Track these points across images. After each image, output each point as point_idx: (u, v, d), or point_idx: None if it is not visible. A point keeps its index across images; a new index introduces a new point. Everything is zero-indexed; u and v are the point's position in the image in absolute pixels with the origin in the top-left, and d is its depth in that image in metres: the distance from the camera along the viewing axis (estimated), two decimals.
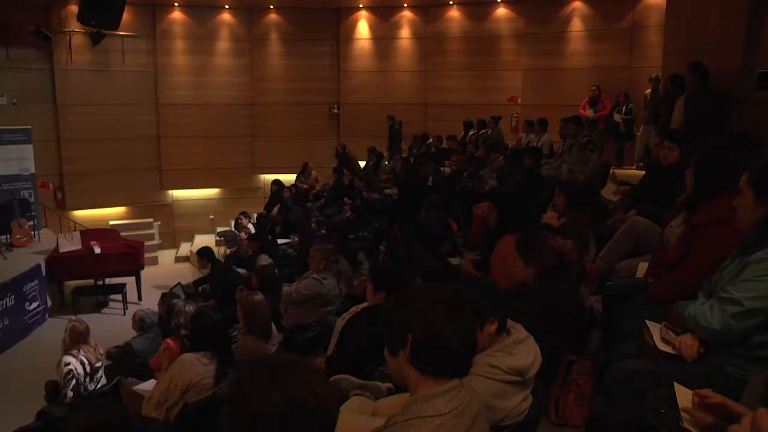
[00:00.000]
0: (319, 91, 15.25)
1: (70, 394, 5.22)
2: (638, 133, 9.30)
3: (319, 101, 15.29)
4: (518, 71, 13.68)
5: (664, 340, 2.44)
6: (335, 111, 15.38)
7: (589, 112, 10.22)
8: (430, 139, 12.92)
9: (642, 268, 3.73)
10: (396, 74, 15.03)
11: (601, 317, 3.65)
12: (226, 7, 14.81)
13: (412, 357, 1.68)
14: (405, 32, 14.83)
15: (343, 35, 15.14)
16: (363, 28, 15.01)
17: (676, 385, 1.95)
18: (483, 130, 11.78)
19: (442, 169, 10.36)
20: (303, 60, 15.15)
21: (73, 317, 6.19)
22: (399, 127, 13.93)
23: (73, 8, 12.83)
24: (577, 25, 12.77)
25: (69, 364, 5.18)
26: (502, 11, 13.83)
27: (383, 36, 14.97)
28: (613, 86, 10.95)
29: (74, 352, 5.28)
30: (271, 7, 14.88)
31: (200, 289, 8.79)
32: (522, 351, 2.29)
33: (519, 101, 13.56)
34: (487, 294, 2.37)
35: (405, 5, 14.62)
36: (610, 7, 12.33)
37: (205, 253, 8.60)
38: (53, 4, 13.35)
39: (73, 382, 5.21)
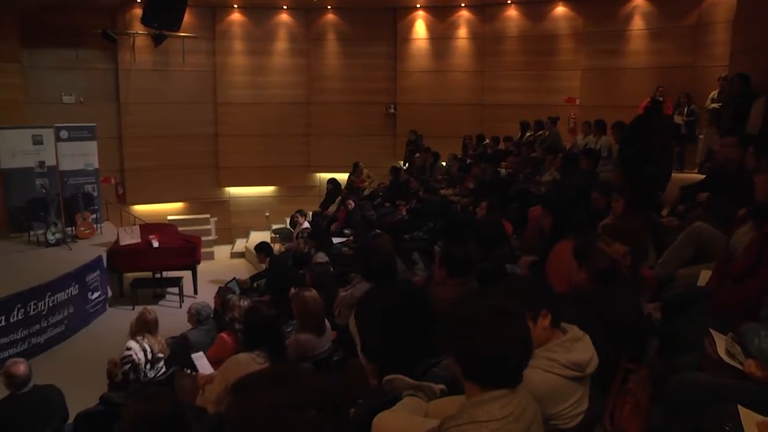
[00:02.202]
0: (375, 91, 15.28)
1: (121, 376, 5.39)
2: (701, 136, 9.01)
3: (375, 101, 15.33)
4: (576, 71, 13.42)
5: (728, 352, 2.35)
6: (391, 111, 15.39)
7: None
8: (487, 140, 12.81)
9: (705, 276, 3.60)
10: (452, 74, 14.92)
11: (659, 325, 3.55)
12: (284, 7, 14.97)
13: (458, 364, 1.68)
14: (462, 32, 14.72)
15: (400, 35, 15.13)
16: (420, 28, 14.97)
17: (740, 408, 1.88)
18: (540, 132, 11.60)
19: (498, 170, 10.26)
20: (360, 60, 15.20)
21: (139, 307, 6.33)
22: (421, 141, 13.87)
23: (138, 11, 13.24)
24: (638, 24, 12.42)
25: (130, 349, 5.32)
26: (560, 10, 13.58)
27: (440, 36, 14.89)
28: (675, 86, 10.62)
29: (139, 338, 5.44)
30: (329, 7, 14.98)
31: (255, 284, 8.92)
32: (579, 348, 2.26)
33: (577, 102, 13.29)
34: (536, 289, 2.34)
35: (462, 5, 14.51)
36: (673, 5, 11.92)
37: (263, 248, 8.70)
38: (119, 7, 13.83)
39: (128, 366, 5.36)
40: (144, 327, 5.54)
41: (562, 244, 4.07)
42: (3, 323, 8.08)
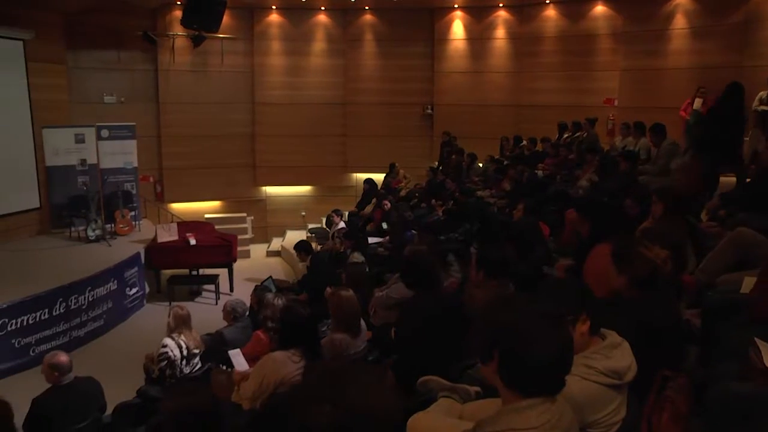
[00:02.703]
0: (412, 92, 15.25)
1: (157, 372, 5.48)
2: (746, 138, 8.77)
3: (412, 102, 15.30)
4: (615, 72, 13.15)
5: None
6: (428, 111, 15.35)
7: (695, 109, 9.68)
8: (524, 142, 12.70)
9: (748, 283, 3.49)
10: (489, 75, 14.80)
11: (698, 332, 3.46)
12: (322, 8, 15.03)
13: (499, 371, 1.65)
14: (500, 32, 14.59)
15: (438, 36, 15.07)
16: (458, 28, 14.88)
17: None
18: (578, 133, 11.46)
19: (535, 172, 10.16)
20: (397, 60, 15.19)
21: (174, 304, 6.45)
22: (455, 143, 13.81)
23: (177, 13, 13.46)
24: (680, 22, 12.06)
25: (166, 346, 5.43)
26: (600, 9, 13.32)
27: (477, 36, 14.78)
28: (719, 87, 10.32)
29: (174, 335, 5.53)
30: (367, 8, 15.00)
31: (291, 282, 8.96)
32: (618, 355, 2.22)
33: (615, 103, 13.03)
34: (576, 293, 2.31)
35: (500, 5, 14.38)
36: (719, 2, 11.43)
37: (303, 247, 8.76)
38: (160, 9, 14.09)
39: (164, 362, 5.47)
40: (179, 324, 5.64)
41: (599, 248, 4.00)
42: (46, 316, 8.31)
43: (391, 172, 13.70)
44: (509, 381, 1.64)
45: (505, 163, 11.33)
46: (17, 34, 11.27)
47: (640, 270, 3.07)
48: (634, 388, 2.28)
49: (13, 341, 7.91)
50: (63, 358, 4.60)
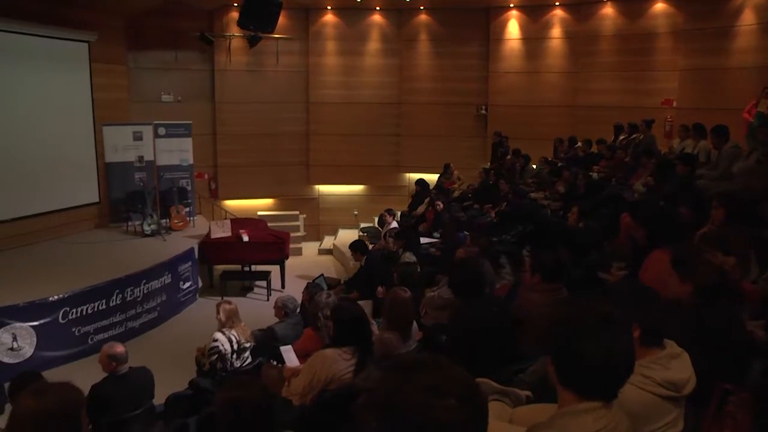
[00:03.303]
0: (466, 92, 15.14)
1: (208, 365, 5.58)
2: None
3: (466, 102, 15.18)
4: (674, 72, 12.69)
5: None
6: (482, 112, 15.20)
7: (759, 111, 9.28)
8: (579, 143, 12.47)
9: None
10: (545, 75, 14.56)
11: (763, 345, 3.32)
12: (377, 8, 15.07)
13: (555, 367, 1.63)
14: (556, 32, 14.33)
15: (493, 35, 14.92)
16: (513, 27, 14.70)
17: None
18: (634, 135, 11.14)
19: (590, 174, 9.97)
20: (451, 60, 15.10)
21: (224, 299, 6.57)
22: (506, 143, 13.62)
23: (234, 15, 13.70)
24: (748, 18, 11.28)
25: (216, 340, 5.53)
26: (660, 6, 12.91)
27: (533, 36, 14.56)
28: None
29: (226, 329, 5.63)
30: (422, 8, 14.95)
31: (342, 281, 9.01)
32: (676, 366, 2.16)
33: (674, 104, 12.63)
34: (632, 299, 2.26)
35: (556, 3, 14.14)
36: None
37: (358, 246, 8.81)
38: (216, 11, 14.38)
39: (215, 356, 5.56)
40: (229, 318, 5.73)
41: (656, 254, 3.91)
42: (103, 306, 8.57)
43: (445, 172, 13.63)
44: (564, 379, 1.62)
45: (560, 164, 11.14)
46: (83, 37, 11.68)
47: (707, 277, 2.97)
48: (692, 401, 2.20)
49: (73, 329, 8.20)
50: (120, 348, 4.74)
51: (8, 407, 4.88)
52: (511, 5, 14.52)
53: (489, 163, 13.86)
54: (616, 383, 1.62)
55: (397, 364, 1.37)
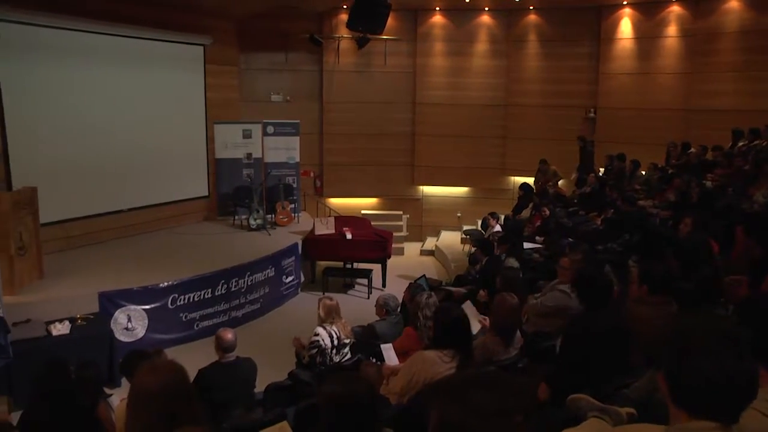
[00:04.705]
0: (575, 94, 14.61)
1: (307, 358, 5.61)
2: None
3: (574, 104, 14.63)
4: None
5: None
6: (591, 115, 14.61)
7: None
8: (692, 149, 11.73)
9: None
10: (658, 76, 13.75)
11: None
12: (486, 9, 14.87)
13: (666, 383, 1.51)
14: (671, 29, 13.50)
15: (604, 35, 14.31)
16: (625, 26, 13.99)
17: None
18: (755, 141, 10.39)
19: (704, 182, 9.35)
20: (560, 61, 14.64)
21: (325, 294, 6.60)
22: (591, 149, 13.06)
23: (343, 17, 13.88)
24: None
25: (318, 334, 5.55)
26: None
27: (647, 34, 13.79)
28: None
29: (327, 325, 5.63)
30: (531, 8, 14.61)
31: (443, 282, 8.90)
32: None
33: None
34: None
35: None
36: None
37: (482, 246, 8.70)
38: (326, 13, 14.65)
39: (315, 350, 5.59)
40: (329, 314, 5.72)
41: None
42: (209, 295, 8.89)
43: (541, 169, 13.27)
44: (678, 398, 1.50)
45: (671, 171, 10.60)
46: (199, 40, 12.35)
47: None
48: None
49: (180, 315, 8.57)
50: (229, 335, 4.86)
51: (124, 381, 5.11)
52: (625, 2, 13.85)
53: (576, 169, 13.41)
54: (737, 406, 1.49)
55: (451, 385, 1.33)
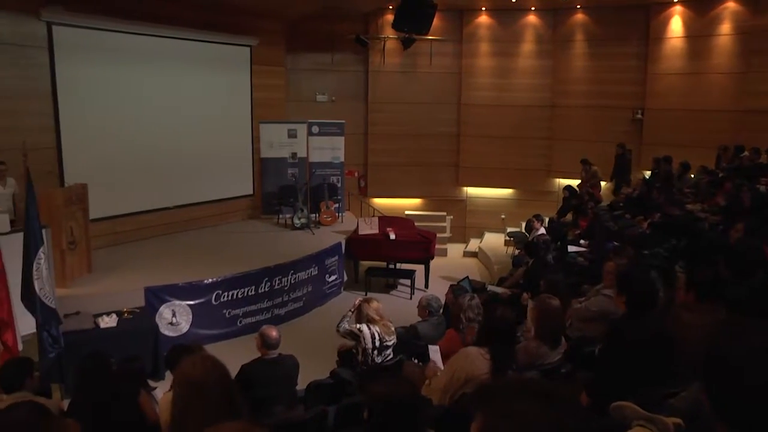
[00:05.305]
0: (622, 95, 14.26)
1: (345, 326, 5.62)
2: None
3: (621, 105, 14.28)
4: None
5: None
6: (638, 116, 14.27)
7: None
8: (745, 152, 11.35)
9: None
10: (709, 76, 13.27)
11: None
12: (532, 9, 14.73)
13: (707, 394, 1.42)
14: (725, 27, 13.00)
15: (653, 34, 13.95)
16: (676, 25, 13.58)
17: None
18: None
19: (756, 187, 9.06)
20: (607, 61, 14.34)
21: (368, 294, 6.59)
22: (630, 157, 12.76)
23: (389, 17, 13.90)
24: None
25: (361, 331, 5.51)
26: None
27: (699, 33, 13.34)
28: None
29: (370, 324, 5.59)
30: (578, 7, 14.38)
31: (486, 285, 8.84)
32: None
33: None
34: None
35: None
36: None
37: (528, 248, 8.62)
38: (372, 14, 14.71)
39: (349, 337, 5.61)
40: (371, 316, 5.68)
41: None
42: (252, 292, 9.01)
43: (584, 168, 13.07)
44: (716, 409, 1.41)
45: (721, 175, 10.28)
46: (246, 41, 12.56)
47: None
48: None
49: (224, 311, 8.71)
50: (274, 333, 4.91)
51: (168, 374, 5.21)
52: (675, 0, 13.48)
53: (610, 177, 13.23)
54: None
55: (492, 390, 1.30)
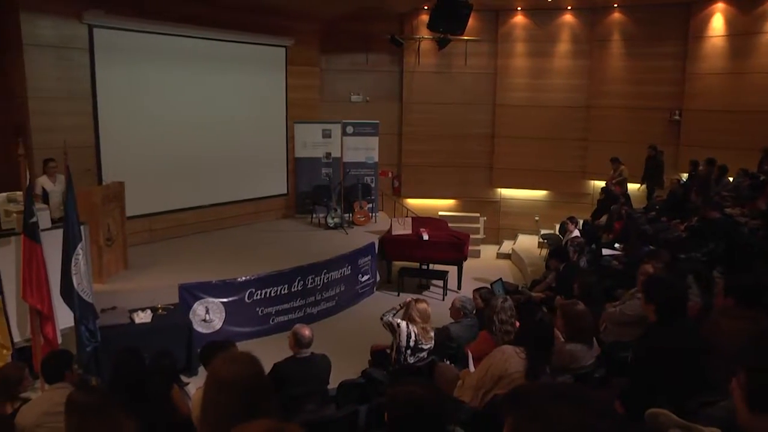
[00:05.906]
0: (660, 96, 13.96)
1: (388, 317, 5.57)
2: None
3: (658, 106, 13.98)
4: None
5: None
6: (676, 117, 13.94)
7: None
8: None
9: None
10: (753, 76, 12.82)
11: None
12: (569, 8, 14.55)
13: (745, 395, 1.46)
14: None
15: (693, 33, 13.61)
16: (717, 23, 13.20)
17: None
18: None
19: None
20: (645, 61, 14.04)
21: (411, 296, 6.53)
22: (662, 159, 12.50)
23: (424, 18, 13.92)
24: None
25: (399, 325, 5.45)
26: None
27: (742, 31, 12.92)
28: None
29: (410, 323, 5.55)
30: (615, 5, 14.15)
31: (519, 287, 8.78)
32: None
33: None
34: None
35: None
36: None
37: (557, 253, 8.58)
38: (407, 15, 14.71)
39: (388, 327, 5.54)
40: (414, 316, 5.62)
41: None
42: (285, 291, 9.09)
43: (613, 166, 12.87)
44: (752, 403, 1.45)
45: (762, 178, 10.00)
46: (281, 42, 12.69)
47: None
48: None
49: (257, 309, 8.81)
50: (307, 331, 4.94)
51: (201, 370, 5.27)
52: None
53: (641, 180, 13.01)
54: None
55: (534, 394, 1.28)
